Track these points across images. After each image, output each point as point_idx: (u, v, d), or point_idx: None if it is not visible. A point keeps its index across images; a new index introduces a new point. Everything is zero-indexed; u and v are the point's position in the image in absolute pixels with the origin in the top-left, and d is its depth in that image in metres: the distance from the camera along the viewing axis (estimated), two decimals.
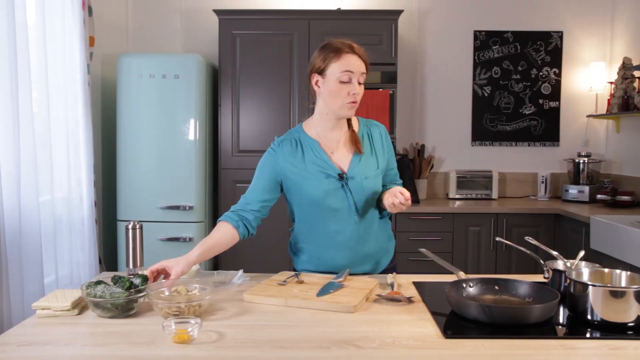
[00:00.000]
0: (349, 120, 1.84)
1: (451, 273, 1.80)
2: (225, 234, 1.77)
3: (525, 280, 1.54)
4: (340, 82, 1.71)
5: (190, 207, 3.51)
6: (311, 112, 1.87)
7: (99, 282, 1.45)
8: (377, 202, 1.86)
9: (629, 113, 3.65)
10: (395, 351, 1.21)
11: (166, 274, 1.62)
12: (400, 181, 1.97)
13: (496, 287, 1.54)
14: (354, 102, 1.74)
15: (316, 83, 1.77)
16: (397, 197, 1.68)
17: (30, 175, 2.40)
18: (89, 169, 3.09)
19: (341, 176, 1.78)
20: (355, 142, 1.81)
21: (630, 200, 3.56)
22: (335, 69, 1.71)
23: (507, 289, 1.53)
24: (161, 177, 3.50)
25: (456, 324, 1.37)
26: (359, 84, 1.73)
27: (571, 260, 1.64)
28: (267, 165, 1.83)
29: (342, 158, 1.81)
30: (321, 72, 1.74)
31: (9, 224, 2.24)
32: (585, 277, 1.48)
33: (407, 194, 1.68)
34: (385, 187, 1.88)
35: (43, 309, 1.42)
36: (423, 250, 1.84)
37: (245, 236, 1.81)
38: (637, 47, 3.84)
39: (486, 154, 4.25)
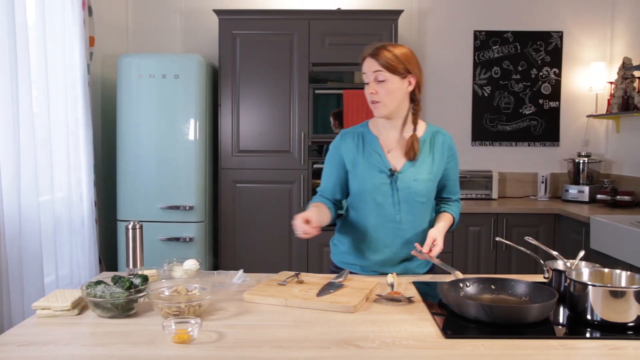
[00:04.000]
0: (415, 124, 1.86)
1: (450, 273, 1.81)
2: (325, 206, 1.89)
3: (522, 279, 1.54)
4: (365, 86, 1.79)
5: (190, 207, 3.51)
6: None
7: (99, 282, 1.45)
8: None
9: (629, 113, 3.65)
10: (395, 351, 1.21)
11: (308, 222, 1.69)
12: (458, 196, 1.98)
13: (492, 287, 1.54)
14: (374, 102, 1.78)
15: None
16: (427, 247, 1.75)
17: (30, 175, 2.40)
18: (89, 169, 3.09)
19: (392, 173, 1.82)
20: (412, 147, 1.82)
21: (630, 200, 3.56)
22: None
23: (503, 288, 1.53)
24: (161, 177, 3.50)
25: (456, 323, 1.37)
26: (379, 81, 1.75)
27: (571, 260, 1.64)
28: (333, 154, 1.93)
29: (398, 158, 1.85)
30: None
31: (9, 224, 2.25)
32: (585, 277, 1.48)
33: (436, 248, 1.75)
34: (440, 207, 1.94)
35: (43, 309, 1.42)
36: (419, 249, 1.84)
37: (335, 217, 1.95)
38: (637, 47, 3.84)
39: (486, 154, 4.25)
